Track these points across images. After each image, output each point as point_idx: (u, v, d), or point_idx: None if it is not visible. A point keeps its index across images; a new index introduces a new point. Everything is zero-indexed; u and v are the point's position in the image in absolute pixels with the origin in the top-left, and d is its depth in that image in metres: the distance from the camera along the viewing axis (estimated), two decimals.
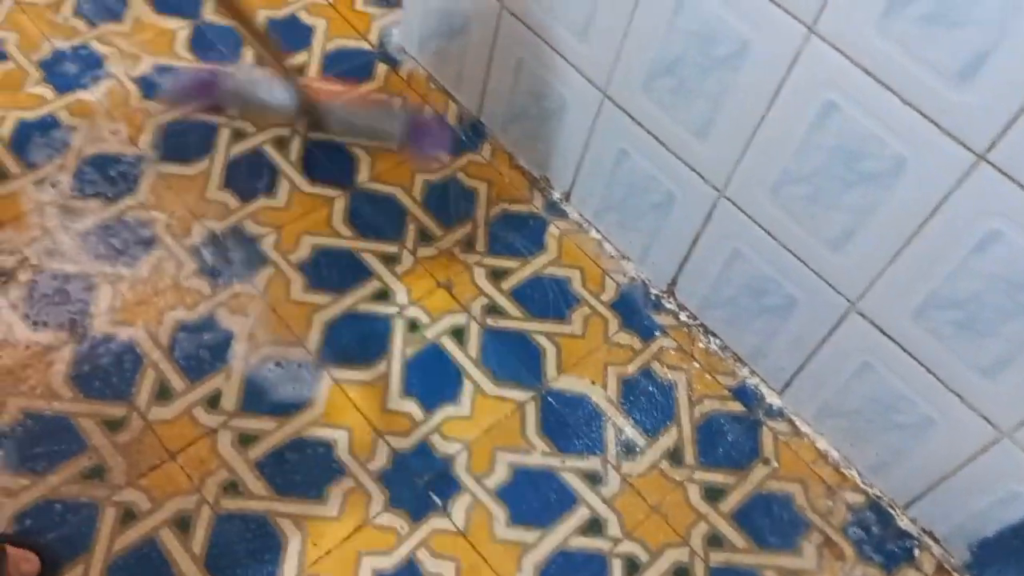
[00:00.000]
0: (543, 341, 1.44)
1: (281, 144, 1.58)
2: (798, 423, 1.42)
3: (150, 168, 1.51)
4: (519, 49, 1.48)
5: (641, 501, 1.32)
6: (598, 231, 1.57)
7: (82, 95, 1.58)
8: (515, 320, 1.45)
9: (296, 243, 1.47)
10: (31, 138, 1.51)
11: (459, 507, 1.27)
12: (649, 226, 1.46)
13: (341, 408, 1.33)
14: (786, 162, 1.19)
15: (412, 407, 1.34)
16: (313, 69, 1.69)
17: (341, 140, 1.58)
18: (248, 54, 1.62)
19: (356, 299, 1.43)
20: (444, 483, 1.29)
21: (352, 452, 1.29)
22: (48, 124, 1.53)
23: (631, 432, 1.38)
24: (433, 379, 1.38)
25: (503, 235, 1.55)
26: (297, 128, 1.58)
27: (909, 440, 1.27)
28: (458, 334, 1.43)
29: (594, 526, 1.29)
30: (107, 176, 1.49)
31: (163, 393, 1.30)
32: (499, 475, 1.31)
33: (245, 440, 1.28)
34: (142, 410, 1.28)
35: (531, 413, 1.37)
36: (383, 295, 1.45)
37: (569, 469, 1.33)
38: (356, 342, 1.39)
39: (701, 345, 1.48)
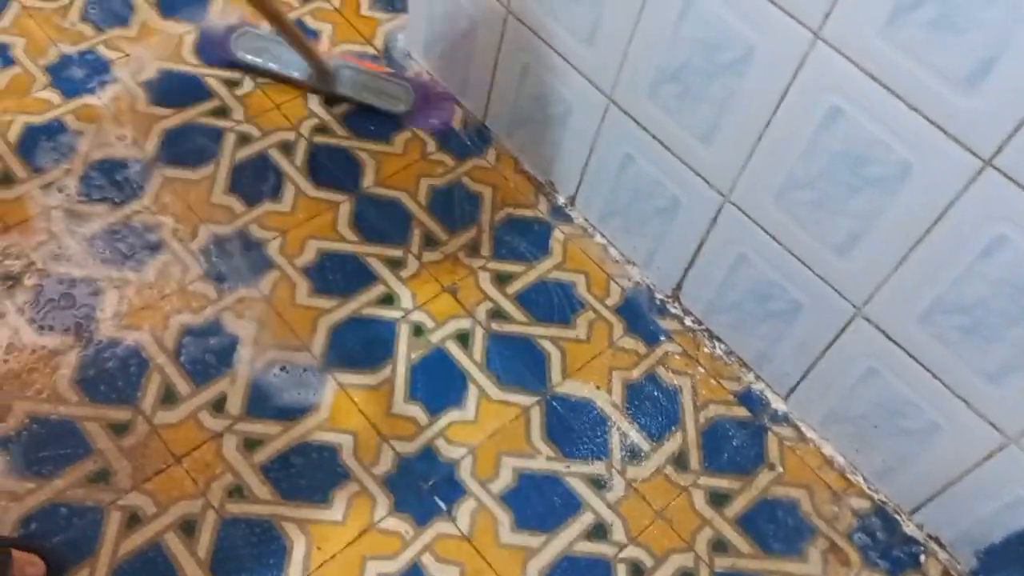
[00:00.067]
0: (548, 346, 1.44)
1: (287, 148, 1.59)
2: (803, 428, 1.42)
3: (156, 172, 1.52)
4: (524, 54, 1.48)
5: (646, 506, 1.32)
6: (603, 236, 1.57)
7: (89, 100, 1.58)
8: (520, 325, 1.45)
9: (301, 247, 1.48)
10: (38, 142, 1.52)
11: (464, 512, 1.27)
12: (654, 231, 1.46)
13: (346, 412, 1.33)
14: (791, 167, 1.19)
15: (417, 411, 1.34)
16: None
17: (350, 99, 1.63)
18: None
19: (361, 303, 1.43)
20: (449, 487, 1.29)
21: (357, 456, 1.29)
22: (55, 129, 1.54)
23: (636, 437, 1.38)
24: (438, 383, 1.38)
25: (508, 240, 1.55)
26: (308, 87, 1.64)
27: (915, 445, 1.27)
28: (463, 338, 1.43)
29: (599, 531, 1.29)
30: (113, 180, 1.50)
31: (168, 397, 1.30)
32: (504, 480, 1.31)
33: (250, 444, 1.28)
34: (147, 414, 1.28)
35: (536, 418, 1.37)
36: (388, 299, 1.45)
37: (574, 474, 1.33)
38: (361, 346, 1.39)
39: (706, 350, 1.48)
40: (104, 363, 1.32)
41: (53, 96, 1.58)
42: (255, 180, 1.54)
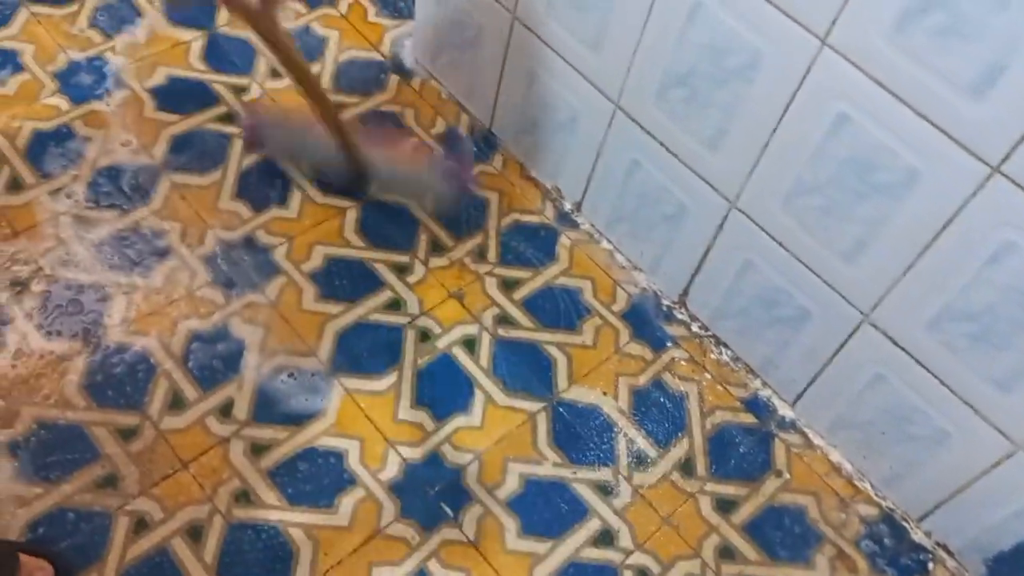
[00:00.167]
0: (554, 351, 1.44)
1: None
2: (811, 435, 1.41)
3: (164, 178, 1.52)
4: (531, 60, 1.48)
5: (653, 512, 1.31)
6: (609, 242, 1.57)
7: (97, 106, 1.59)
8: (526, 330, 1.46)
9: (308, 253, 1.48)
10: (46, 148, 1.52)
11: (470, 518, 1.27)
12: (661, 237, 1.46)
13: (352, 418, 1.33)
14: (798, 173, 1.19)
15: (423, 417, 1.35)
16: (326, 80, 1.70)
17: (385, 199, 1.54)
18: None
19: (368, 309, 1.44)
20: (455, 493, 1.29)
21: (363, 462, 1.29)
22: (63, 135, 1.55)
23: (643, 443, 1.37)
24: (444, 389, 1.38)
25: (514, 245, 1.55)
26: (341, 183, 1.53)
27: (923, 452, 1.27)
28: (469, 344, 1.43)
29: (605, 537, 1.28)
30: (121, 186, 1.50)
31: (176, 403, 1.30)
32: (510, 486, 1.30)
33: (257, 449, 1.28)
34: (155, 419, 1.28)
35: (542, 424, 1.37)
36: (395, 305, 1.45)
37: (580, 480, 1.33)
38: (368, 352, 1.39)
39: (713, 356, 1.47)
40: (112, 368, 1.32)
41: (61, 102, 1.59)
42: (262, 186, 1.55)
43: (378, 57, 1.76)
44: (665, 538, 1.30)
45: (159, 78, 1.65)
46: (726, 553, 1.30)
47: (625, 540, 1.29)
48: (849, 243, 1.18)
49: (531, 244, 1.56)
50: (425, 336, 1.42)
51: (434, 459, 1.31)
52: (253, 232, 1.49)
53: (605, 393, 1.41)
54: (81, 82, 1.62)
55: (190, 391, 1.32)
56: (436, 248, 1.52)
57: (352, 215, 1.53)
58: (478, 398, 1.38)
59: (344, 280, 1.46)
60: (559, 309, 1.49)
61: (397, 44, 1.78)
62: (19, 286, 1.37)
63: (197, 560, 1.19)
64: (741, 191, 1.28)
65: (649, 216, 1.46)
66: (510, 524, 1.27)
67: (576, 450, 1.35)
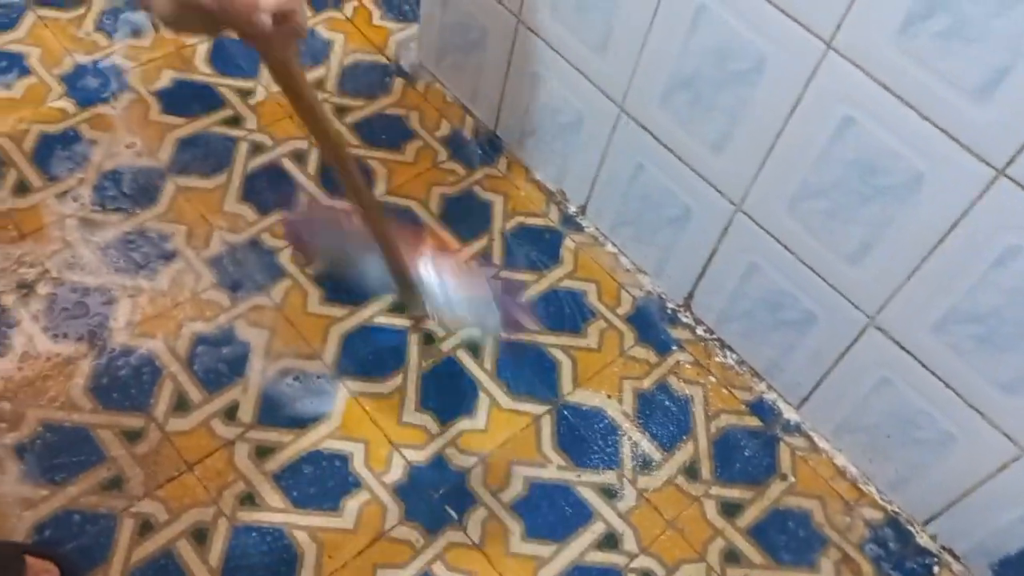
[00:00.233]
0: (559, 355, 1.44)
1: (299, 157, 1.60)
2: (816, 438, 1.41)
3: (169, 181, 1.53)
4: (535, 63, 1.48)
5: (657, 516, 1.31)
6: (614, 245, 1.57)
7: (103, 109, 1.60)
8: (531, 333, 1.45)
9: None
10: (53, 151, 1.53)
11: (474, 521, 1.27)
12: (665, 240, 1.46)
13: (357, 421, 1.33)
14: (803, 176, 1.19)
15: (428, 420, 1.35)
16: (331, 83, 1.71)
17: (440, 329, 1.40)
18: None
19: (373, 312, 1.44)
20: (460, 496, 1.29)
21: (368, 465, 1.30)
22: (70, 138, 1.55)
23: (647, 446, 1.37)
24: (449, 392, 1.38)
25: (519, 248, 1.55)
26: (390, 302, 1.42)
27: (929, 456, 1.26)
28: (474, 347, 1.43)
29: (610, 541, 1.28)
30: (127, 189, 1.51)
31: (181, 405, 1.31)
32: (515, 489, 1.30)
33: (262, 452, 1.28)
34: (160, 422, 1.29)
35: (547, 427, 1.37)
36: (400, 308, 1.45)
37: (585, 483, 1.33)
38: (372, 355, 1.39)
39: (718, 359, 1.47)
40: (117, 371, 1.32)
41: (68, 105, 1.59)
42: (268, 189, 1.55)
43: (383, 60, 1.77)
44: (670, 542, 1.29)
45: (165, 81, 1.65)
46: (731, 557, 1.30)
47: (630, 543, 1.28)
48: (854, 246, 1.18)
49: (535, 247, 1.56)
50: (430, 339, 1.42)
51: (439, 462, 1.31)
52: (258, 235, 1.49)
53: (610, 396, 1.41)
54: (87, 85, 1.62)
55: (195, 394, 1.32)
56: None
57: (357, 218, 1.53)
58: (483, 401, 1.38)
59: (349, 283, 1.46)
60: (564, 312, 1.49)
61: (402, 47, 1.79)
62: (25, 288, 1.38)
63: (202, 562, 1.19)
64: (746, 194, 1.28)
65: (654, 219, 1.46)
66: (514, 527, 1.27)
67: (580, 453, 1.35)
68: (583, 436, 1.37)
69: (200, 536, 1.21)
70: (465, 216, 1.57)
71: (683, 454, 1.37)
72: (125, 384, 1.31)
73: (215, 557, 1.19)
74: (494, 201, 1.60)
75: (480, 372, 1.40)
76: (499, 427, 1.36)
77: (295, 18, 0.76)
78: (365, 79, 1.73)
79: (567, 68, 1.43)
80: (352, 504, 1.26)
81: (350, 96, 1.70)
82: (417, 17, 1.77)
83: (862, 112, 1.08)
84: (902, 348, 1.21)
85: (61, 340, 1.34)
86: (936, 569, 1.32)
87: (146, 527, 1.20)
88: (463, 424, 1.35)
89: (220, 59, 1.70)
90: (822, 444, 1.41)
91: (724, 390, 1.45)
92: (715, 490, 1.35)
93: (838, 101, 1.09)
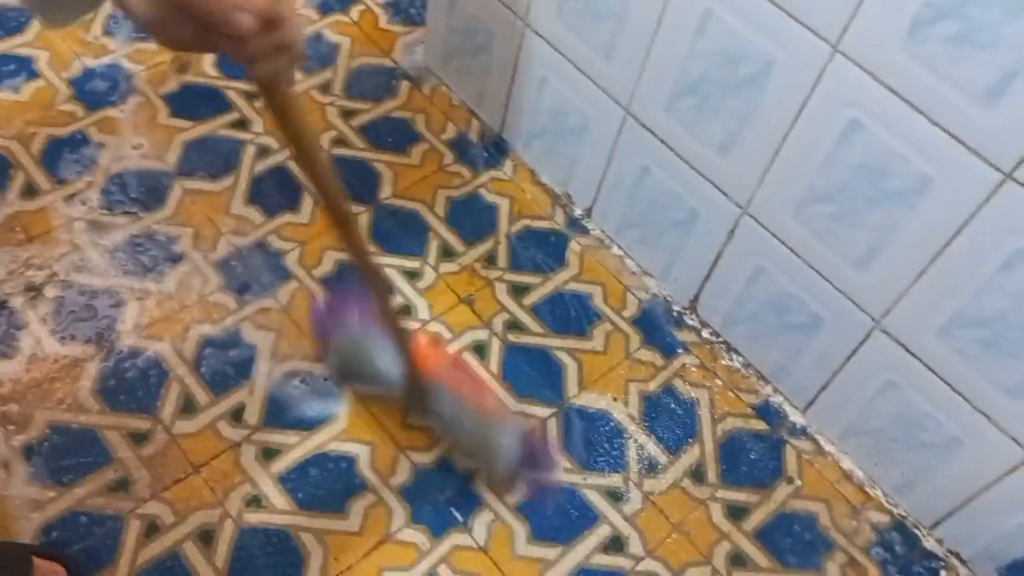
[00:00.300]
0: (564, 357, 1.44)
1: None
2: (822, 442, 1.41)
3: (176, 184, 1.53)
4: (541, 66, 1.49)
5: (663, 519, 1.31)
6: (620, 247, 1.57)
7: (111, 112, 1.60)
8: (536, 336, 1.46)
9: (319, 258, 1.49)
10: (61, 154, 1.54)
11: (480, 523, 1.27)
12: (671, 243, 1.46)
13: (363, 423, 1.33)
14: (810, 180, 1.19)
15: (561, 470, 1.33)
16: (338, 86, 1.71)
17: (447, 450, 1.30)
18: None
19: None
20: (465, 499, 1.29)
21: (374, 467, 1.30)
22: (78, 141, 1.56)
23: (653, 449, 1.37)
24: None
25: (525, 251, 1.55)
26: (397, 407, 1.33)
27: (935, 459, 1.26)
28: (480, 350, 1.43)
29: (616, 544, 1.28)
30: (135, 192, 1.51)
31: (188, 407, 1.31)
32: (520, 491, 1.30)
33: (268, 454, 1.29)
34: (167, 424, 1.29)
35: (552, 429, 1.37)
36: (405, 311, 1.45)
37: (590, 486, 1.33)
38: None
39: (724, 362, 1.47)
40: (125, 373, 1.33)
41: (76, 109, 1.60)
42: (274, 192, 1.55)
43: (389, 63, 1.77)
44: (675, 545, 1.29)
45: (173, 85, 1.66)
46: (737, 560, 1.29)
47: (635, 547, 1.28)
48: (861, 249, 1.18)
49: (541, 250, 1.56)
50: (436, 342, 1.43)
51: (444, 464, 1.31)
52: (265, 237, 1.49)
53: (615, 399, 1.41)
54: (96, 89, 1.63)
55: (202, 396, 1.32)
56: (446, 254, 1.53)
57: (363, 220, 1.54)
58: None
59: (355, 286, 1.47)
60: (569, 315, 1.49)
61: (409, 50, 1.79)
62: (33, 291, 1.38)
63: (208, 564, 1.19)
64: (752, 197, 1.28)
65: (660, 222, 1.46)
66: (520, 530, 1.27)
67: (586, 456, 1.35)
68: (589, 439, 1.37)
69: (206, 538, 1.21)
70: (471, 219, 1.57)
71: (689, 457, 1.37)
72: (132, 386, 1.32)
73: (221, 559, 1.20)
74: (500, 204, 1.60)
75: (486, 374, 1.40)
76: None
77: (286, 29, 0.65)
78: (371, 82, 1.73)
79: (573, 71, 1.43)
80: (358, 506, 1.26)
81: (356, 99, 1.70)
82: (423, 20, 1.77)
83: (869, 116, 1.08)
84: (908, 352, 1.21)
85: (69, 342, 1.34)
86: (943, 573, 1.32)
87: (153, 528, 1.21)
88: None
89: (228, 62, 1.71)
90: (828, 447, 1.40)
91: (730, 393, 1.45)
92: (721, 493, 1.35)
93: (845, 105, 1.09)
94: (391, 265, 1.50)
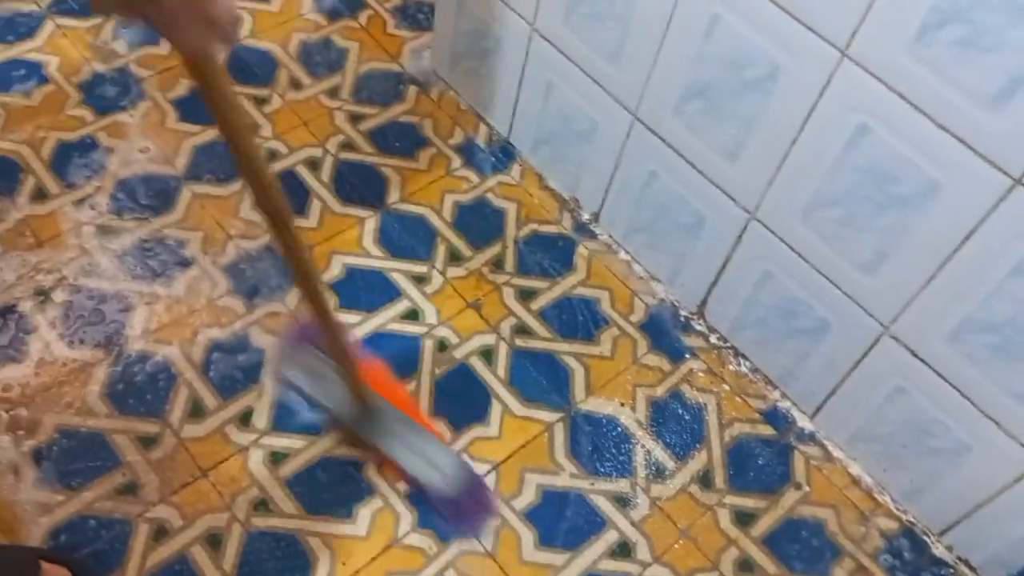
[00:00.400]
0: (572, 362, 1.44)
1: (313, 165, 1.60)
2: (830, 447, 1.40)
3: (185, 189, 1.54)
4: (549, 71, 1.49)
5: (671, 525, 1.31)
6: (627, 252, 1.57)
7: (120, 117, 1.61)
8: (544, 341, 1.46)
9: (327, 263, 1.49)
10: (71, 159, 1.54)
11: (487, 528, 1.27)
12: (679, 247, 1.46)
13: None
14: (818, 185, 1.18)
15: (441, 427, 1.35)
16: (346, 91, 1.72)
17: (388, 457, 1.25)
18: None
19: (386, 319, 1.44)
20: None
21: (381, 472, 1.30)
22: (87, 145, 1.57)
23: (660, 454, 1.37)
24: (462, 399, 1.38)
25: (532, 255, 1.55)
26: (339, 427, 1.30)
27: (944, 465, 1.26)
28: (487, 354, 1.43)
29: (623, 549, 1.28)
30: (144, 196, 1.52)
31: (196, 411, 1.31)
32: (527, 497, 1.30)
33: (276, 458, 1.29)
34: (175, 428, 1.29)
35: (560, 434, 1.37)
36: (413, 315, 1.45)
37: (598, 491, 1.32)
38: (386, 361, 1.39)
39: (731, 367, 1.47)
40: (133, 377, 1.33)
41: (86, 113, 1.61)
42: (282, 196, 1.55)
43: (397, 68, 1.77)
44: (683, 551, 1.29)
45: (181, 89, 1.67)
46: (745, 566, 1.29)
47: (643, 552, 1.28)
48: (869, 254, 1.18)
49: (549, 254, 1.56)
50: (442, 346, 1.43)
51: None
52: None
53: (623, 404, 1.41)
54: (105, 93, 1.64)
55: (210, 400, 1.33)
56: (454, 258, 1.53)
57: (371, 225, 1.54)
58: (495, 408, 1.38)
59: (362, 290, 1.47)
60: (576, 320, 1.49)
61: (416, 55, 1.79)
62: (43, 295, 1.39)
63: (216, 568, 1.19)
64: (760, 202, 1.28)
65: (667, 227, 1.46)
66: (527, 535, 1.27)
67: (594, 461, 1.35)
68: (596, 444, 1.37)
69: (214, 542, 1.21)
70: (478, 223, 1.58)
71: (696, 462, 1.37)
72: (141, 390, 1.32)
73: (229, 563, 1.20)
74: (507, 208, 1.61)
75: (493, 379, 1.41)
76: (512, 434, 1.36)
77: (215, 4, 0.62)
78: (379, 87, 1.74)
79: (581, 76, 1.43)
80: (365, 511, 1.26)
81: (364, 104, 1.70)
82: (431, 25, 1.77)
83: (877, 120, 1.08)
84: (917, 357, 1.20)
85: (78, 346, 1.35)
86: None
87: (161, 532, 1.21)
88: (476, 431, 1.35)
89: (236, 67, 1.71)
90: (836, 453, 1.40)
91: (738, 398, 1.44)
92: (729, 499, 1.34)
93: (853, 109, 1.09)
94: (399, 270, 1.50)
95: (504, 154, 1.67)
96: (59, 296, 1.39)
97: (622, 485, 1.33)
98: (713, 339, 1.49)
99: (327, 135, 1.65)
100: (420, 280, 1.49)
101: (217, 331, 1.39)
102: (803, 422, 1.42)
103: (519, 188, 1.64)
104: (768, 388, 1.45)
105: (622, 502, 1.32)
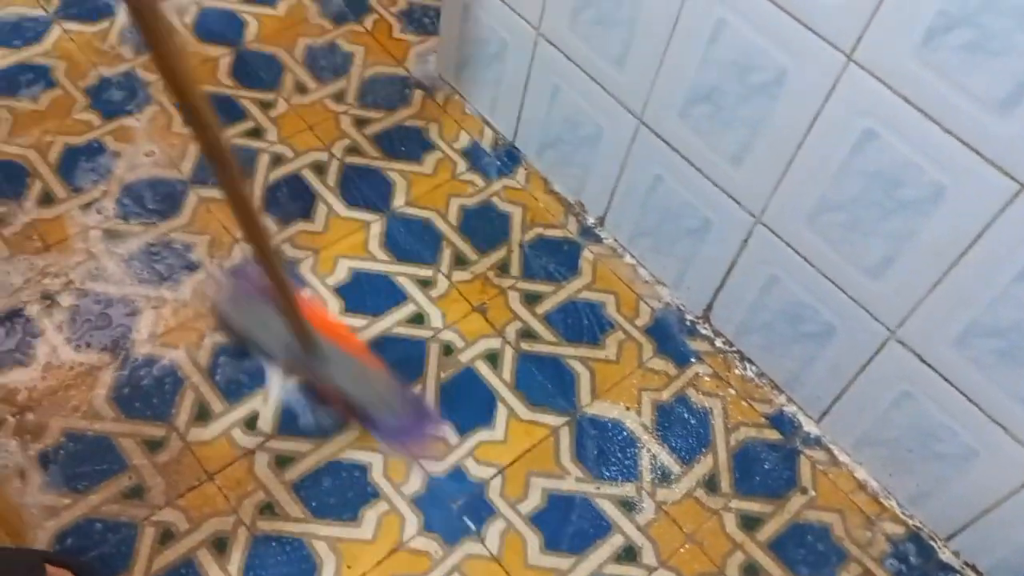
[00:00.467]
0: (577, 366, 1.44)
1: (319, 169, 1.61)
2: (836, 452, 1.40)
3: (192, 192, 1.54)
4: (554, 75, 1.49)
5: (676, 529, 1.31)
6: (632, 256, 1.57)
7: (127, 121, 1.62)
8: (549, 345, 1.46)
9: (333, 267, 1.49)
10: (77, 163, 1.55)
11: (493, 532, 1.27)
12: (684, 251, 1.46)
13: None
14: (824, 189, 1.18)
15: (446, 431, 1.35)
16: (351, 95, 1.72)
17: (335, 388, 1.25)
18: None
19: (391, 322, 1.44)
20: (478, 507, 1.29)
21: (387, 475, 1.30)
22: (94, 149, 1.57)
23: (666, 459, 1.37)
24: (467, 403, 1.38)
25: (537, 259, 1.55)
26: (284, 366, 1.29)
27: (951, 470, 1.25)
28: (492, 358, 1.43)
29: (629, 554, 1.28)
30: (150, 201, 1.52)
31: (202, 414, 1.32)
32: (533, 500, 1.30)
33: (282, 462, 1.29)
34: (181, 431, 1.30)
35: (565, 438, 1.37)
36: (418, 319, 1.46)
37: (603, 495, 1.32)
38: (391, 365, 1.39)
39: (737, 371, 1.47)
40: (140, 381, 1.33)
41: (93, 117, 1.61)
42: (288, 200, 1.56)
43: (402, 72, 1.78)
44: (689, 555, 1.29)
45: None
46: (750, 571, 1.29)
47: (648, 557, 1.28)
48: (875, 259, 1.18)
49: (554, 258, 1.56)
50: (448, 350, 1.43)
51: (457, 473, 1.31)
52: (279, 245, 1.50)
53: (628, 408, 1.41)
54: (112, 98, 1.64)
55: (216, 404, 1.33)
56: (459, 262, 1.53)
57: (377, 229, 1.55)
58: (501, 412, 1.38)
59: (368, 293, 1.47)
60: (582, 323, 1.49)
61: (422, 59, 1.80)
62: (49, 299, 1.39)
63: (222, 571, 1.19)
64: (766, 206, 1.27)
65: (673, 231, 1.46)
66: (533, 539, 1.27)
67: (599, 465, 1.35)
68: (602, 448, 1.36)
69: (220, 545, 1.21)
70: (484, 227, 1.58)
71: (702, 467, 1.37)
72: (147, 394, 1.32)
73: (235, 566, 1.20)
74: (513, 212, 1.61)
75: (498, 383, 1.41)
76: (517, 438, 1.36)
77: None
78: (385, 91, 1.74)
79: (586, 80, 1.43)
80: (371, 514, 1.26)
81: (370, 108, 1.71)
82: (437, 30, 1.78)
83: (883, 125, 1.07)
84: (923, 362, 1.20)
85: (84, 350, 1.35)
86: None
87: (167, 536, 1.21)
88: (481, 435, 1.35)
89: (242, 71, 1.72)
90: (842, 457, 1.40)
91: (743, 403, 1.44)
92: (734, 503, 1.34)
93: (859, 114, 1.09)
94: (404, 273, 1.50)
95: (509, 158, 1.67)
96: (66, 300, 1.40)
97: (628, 489, 1.33)
98: (719, 343, 1.49)
99: (333, 139, 1.65)
100: (426, 284, 1.50)
101: (223, 335, 1.39)
102: (809, 426, 1.42)
103: (524, 192, 1.64)
104: (774, 392, 1.45)
105: (628, 506, 1.32)
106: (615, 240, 1.58)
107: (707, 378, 1.46)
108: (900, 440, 1.30)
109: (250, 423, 1.32)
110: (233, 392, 1.34)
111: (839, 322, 1.28)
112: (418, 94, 1.75)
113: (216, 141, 0.88)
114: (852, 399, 1.33)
